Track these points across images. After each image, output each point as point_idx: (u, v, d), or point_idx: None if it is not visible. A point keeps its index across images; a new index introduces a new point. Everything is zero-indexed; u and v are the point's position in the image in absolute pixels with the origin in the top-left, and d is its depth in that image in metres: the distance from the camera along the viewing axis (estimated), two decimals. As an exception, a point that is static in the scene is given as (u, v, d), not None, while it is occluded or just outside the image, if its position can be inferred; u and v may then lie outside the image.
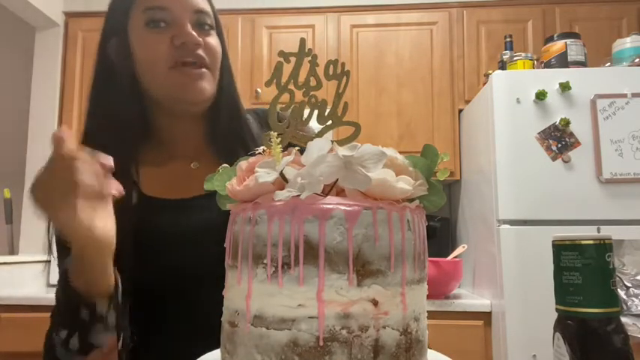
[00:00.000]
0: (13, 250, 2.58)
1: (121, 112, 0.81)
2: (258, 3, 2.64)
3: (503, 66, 2.18)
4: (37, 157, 2.60)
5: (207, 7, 0.83)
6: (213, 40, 0.82)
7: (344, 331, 0.41)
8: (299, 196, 0.43)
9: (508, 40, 2.28)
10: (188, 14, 0.79)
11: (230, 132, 0.85)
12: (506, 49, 2.26)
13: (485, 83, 2.12)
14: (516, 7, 2.55)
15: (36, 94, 2.66)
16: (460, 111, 2.51)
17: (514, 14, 2.54)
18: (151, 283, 0.78)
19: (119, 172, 0.78)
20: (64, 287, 0.64)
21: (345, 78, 0.50)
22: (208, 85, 0.81)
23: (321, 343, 0.41)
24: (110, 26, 0.83)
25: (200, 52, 0.79)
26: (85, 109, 0.86)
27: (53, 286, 2.48)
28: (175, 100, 0.81)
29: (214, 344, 0.53)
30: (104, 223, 0.59)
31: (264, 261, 0.43)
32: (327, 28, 2.61)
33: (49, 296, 2.17)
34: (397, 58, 2.56)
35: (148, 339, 0.81)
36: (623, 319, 0.47)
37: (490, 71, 2.13)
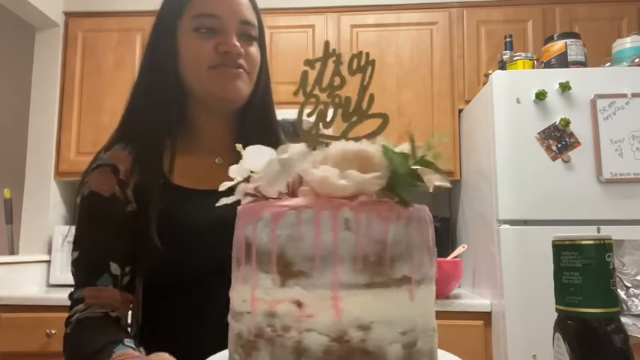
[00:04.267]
0: (13, 250, 2.58)
1: (161, 101, 0.87)
2: (259, 3, 2.64)
3: (503, 66, 2.18)
4: (37, 157, 2.60)
5: (253, 19, 0.89)
6: (253, 49, 0.88)
7: (269, 329, 0.43)
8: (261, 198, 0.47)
9: (508, 40, 2.28)
10: (235, 24, 0.86)
11: (257, 132, 0.88)
12: (506, 49, 2.26)
13: (486, 83, 2.12)
14: (516, 7, 2.55)
15: (36, 94, 2.66)
16: (460, 111, 2.51)
17: (514, 14, 2.54)
18: (167, 269, 0.81)
19: (151, 156, 0.86)
20: None
21: (370, 68, 0.50)
22: (244, 86, 0.87)
23: (252, 338, 0.44)
24: (161, 24, 0.90)
25: (240, 60, 0.85)
26: (128, 97, 0.92)
27: (53, 286, 2.48)
28: (213, 97, 0.87)
29: (222, 344, 0.53)
30: None
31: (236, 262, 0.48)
32: (327, 28, 2.61)
33: (49, 296, 2.17)
34: (397, 58, 2.56)
35: (159, 326, 0.84)
36: (623, 319, 0.47)
37: (490, 71, 2.13)
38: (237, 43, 0.84)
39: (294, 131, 1.00)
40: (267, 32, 3.02)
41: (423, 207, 0.49)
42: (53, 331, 2.01)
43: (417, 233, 0.45)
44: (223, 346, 0.53)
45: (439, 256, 2.11)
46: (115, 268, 0.80)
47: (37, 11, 2.52)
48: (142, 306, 0.85)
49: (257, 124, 0.91)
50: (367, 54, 0.51)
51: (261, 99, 0.92)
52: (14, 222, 2.59)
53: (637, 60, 2.01)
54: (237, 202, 0.52)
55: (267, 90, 0.94)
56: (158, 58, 0.88)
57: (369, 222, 0.43)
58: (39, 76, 2.67)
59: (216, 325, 0.60)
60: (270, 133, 0.92)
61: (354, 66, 0.50)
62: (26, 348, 2.07)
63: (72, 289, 0.82)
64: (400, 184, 0.44)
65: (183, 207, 0.84)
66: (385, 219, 0.43)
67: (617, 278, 1.76)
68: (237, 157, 0.85)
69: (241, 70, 0.86)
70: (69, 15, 2.71)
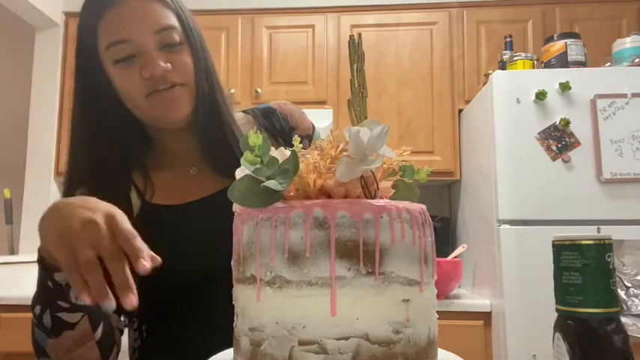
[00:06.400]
0: (13, 250, 2.58)
1: (112, 128, 0.81)
2: (258, 3, 2.64)
3: (503, 66, 2.18)
4: (37, 157, 2.60)
5: (171, 22, 0.79)
6: (181, 56, 0.80)
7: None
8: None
9: (508, 40, 2.28)
10: (151, 38, 0.77)
11: (215, 137, 0.85)
12: (506, 49, 2.26)
13: (486, 83, 2.12)
14: (516, 7, 2.54)
15: (36, 94, 2.66)
16: (460, 111, 2.51)
17: (514, 14, 2.54)
18: (159, 290, 0.80)
19: (118, 181, 0.82)
20: (37, 257, 0.66)
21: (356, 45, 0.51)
22: (185, 103, 0.80)
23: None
24: (83, 60, 0.82)
25: (170, 77, 0.78)
26: (69, 126, 0.84)
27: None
28: (158, 122, 0.82)
29: (223, 344, 0.54)
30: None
31: None
32: (327, 28, 2.61)
33: (49, 296, 2.17)
34: (397, 58, 2.55)
35: (158, 339, 0.84)
36: (623, 319, 0.47)
37: (490, 71, 2.13)
38: (160, 61, 0.76)
39: (269, 123, 0.94)
40: (267, 32, 3.01)
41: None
42: (53, 331, 2.01)
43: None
44: (225, 347, 0.54)
45: (439, 256, 2.09)
46: None
47: (37, 11, 2.52)
48: (139, 325, 0.85)
49: (213, 128, 0.85)
50: (351, 36, 0.52)
51: (208, 103, 0.84)
52: (14, 222, 2.59)
53: (637, 60, 2.00)
54: (227, 210, 0.52)
55: (211, 91, 0.84)
56: (94, 93, 0.81)
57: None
58: (39, 76, 2.67)
59: (217, 330, 0.60)
60: (229, 138, 0.85)
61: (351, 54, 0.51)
62: (26, 348, 2.05)
63: None
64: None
65: (168, 225, 0.82)
66: (242, 221, 0.47)
67: (617, 278, 1.76)
68: (211, 165, 0.86)
69: (176, 87, 0.78)
70: (69, 15, 2.71)
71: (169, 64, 0.77)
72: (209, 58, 0.86)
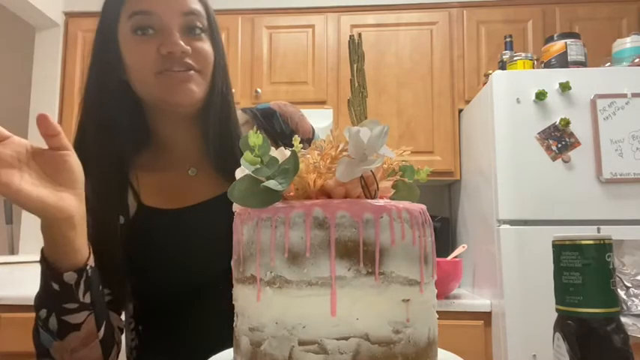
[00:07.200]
0: (13, 250, 2.58)
1: (116, 116, 0.79)
2: (258, 3, 2.64)
3: (503, 66, 2.18)
4: (37, 157, 2.60)
5: (198, 7, 0.79)
6: (203, 44, 0.79)
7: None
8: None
9: (508, 40, 2.28)
10: (176, 18, 0.76)
11: (222, 136, 0.83)
12: (506, 49, 2.26)
13: (485, 83, 2.12)
14: (516, 7, 2.54)
15: (36, 94, 2.66)
16: (460, 111, 2.51)
17: (514, 14, 2.54)
18: (155, 292, 0.81)
19: (118, 179, 0.80)
20: (40, 259, 0.64)
21: (356, 46, 0.51)
22: (197, 87, 0.78)
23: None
24: (101, 30, 0.81)
25: (187, 59, 0.76)
26: (78, 114, 0.82)
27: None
28: (164, 103, 0.78)
29: (223, 344, 0.54)
30: (48, 194, 0.58)
31: None
32: (327, 28, 2.61)
33: (49, 296, 2.17)
34: (397, 58, 2.56)
35: (156, 339, 0.84)
36: (623, 319, 0.47)
37: (490, 71, 2.13)
38: (181, 41, 0.75)
39: (269, 124, 0.92)
40: (266, 32, 3.01)
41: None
42: (53, 331, 2.01)
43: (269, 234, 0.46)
44: (224, 347, 0.54)
45: (439, 256, 2.09)
46: None
47: (37, 11, 2.52)
48: (135, 326, 0.85)
49: (220, 127, 0.83)
50: (351, 36, 0.52)
51: (221, 100, 0.82)
52: (14, 222, 2.59)
53: (637, 60, 2.00)
54: (226, 214, 0.52)
55: (226, 88, 0.84)
56: (104, 69, 0.79)
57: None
58: (39, 76, 2.67)
59: (216, 330, 0.60)
60: (234, 136, 0.84)
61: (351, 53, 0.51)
62: (26, 348, 2.05)
63: None
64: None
65: (164, 230, 0.80)
66: (242, 221, 0.47)
67: (617, 278, 1.76)
68: (211, 165, 0.84)
69: (191, 71, 0.76)
70: (69, 15, 2.71)
71: (189, 48, 0.76)
72: (225, 57, 0.85)
